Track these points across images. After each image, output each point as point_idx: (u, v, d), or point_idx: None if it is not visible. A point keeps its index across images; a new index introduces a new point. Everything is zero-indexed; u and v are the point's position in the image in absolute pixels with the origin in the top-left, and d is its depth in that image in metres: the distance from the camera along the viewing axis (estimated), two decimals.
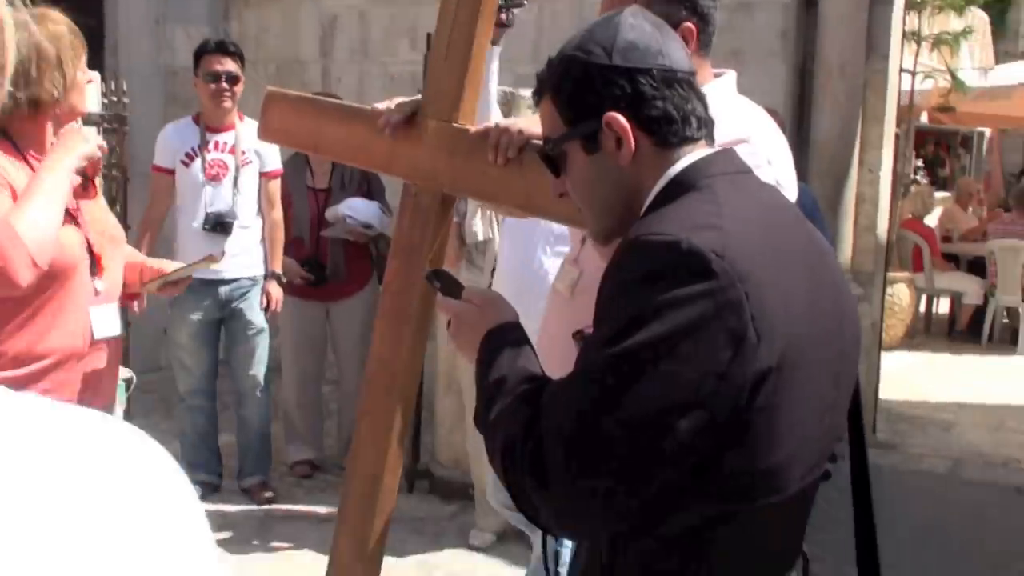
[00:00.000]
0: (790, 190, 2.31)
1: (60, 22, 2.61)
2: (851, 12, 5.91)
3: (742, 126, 2.20)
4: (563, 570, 2.65)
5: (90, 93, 5.02)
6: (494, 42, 3.50)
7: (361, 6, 7.38)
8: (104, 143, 3.21)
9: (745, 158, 2.16)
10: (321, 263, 5.38)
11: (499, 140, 2.22)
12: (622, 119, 1.56)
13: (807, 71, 6.11)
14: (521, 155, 2.21)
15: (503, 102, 4.12)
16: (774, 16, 6.04)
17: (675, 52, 1.60)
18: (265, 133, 2.91)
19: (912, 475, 5.82)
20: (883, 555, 1.85)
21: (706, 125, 1.62)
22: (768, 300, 1.40)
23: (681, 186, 1.55)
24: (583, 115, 1.60)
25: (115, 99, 5.45)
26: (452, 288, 1.88)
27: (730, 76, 2.40)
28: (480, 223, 4.46)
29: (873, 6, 5.97)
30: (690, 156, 1.58)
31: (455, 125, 2.34)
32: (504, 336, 1.69)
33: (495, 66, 3.54)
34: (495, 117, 3.49)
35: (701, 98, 1.62)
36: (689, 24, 2.22)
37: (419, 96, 2.46)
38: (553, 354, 2.48)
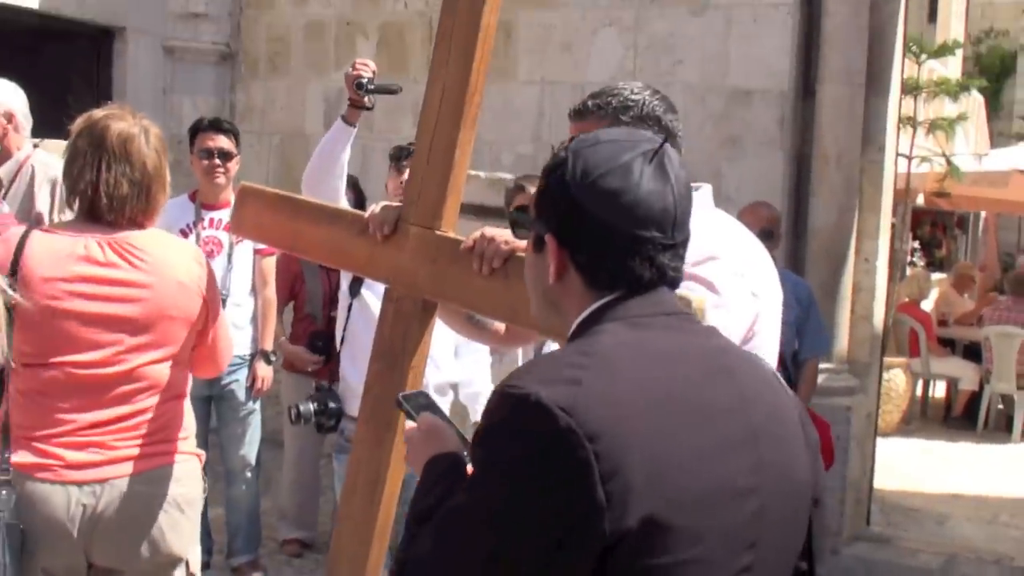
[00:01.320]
0: (769, 298, 2.33)
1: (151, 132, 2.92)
2: (848, 102, 5.96)
3: (712, 243, 2.23)
4: None
5: None
6: (351, 123, 3.61)
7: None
8: None
9: (713, 274, 2.18)
10: (330, 339, 5.36)
11: (484, 250, 2.21)
12: (556, 246, 1.56)
13: (804, 158, 6.16)
14: (506, 266, 2.18)
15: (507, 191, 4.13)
16: (771, 105, 6.11)
17: (642, 206, 1.51)
18: (238, 229, 2.89)
19: (906, 571, 5.76)
20: None
21: (647, 285, 1.54)
22: (631, 459, 1.36)
23: (585, 327, 1.54)
24: (540, 217, 1.60)
25: None
26: (414, 413, 1.90)
27: (706, 190, 2.44)
28: None
29: (869, 96, 6.03)
30: (607, 298, 1.54)
31: (437, 232, 2.34)
32: (432, 468, 1.71)
33: (347, 149, 3.65)
34: (343, 199, 3.59)
35: (653, 259, 1.53)
36: None
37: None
38: None
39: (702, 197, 2.40)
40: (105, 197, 2.78)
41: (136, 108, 7.69)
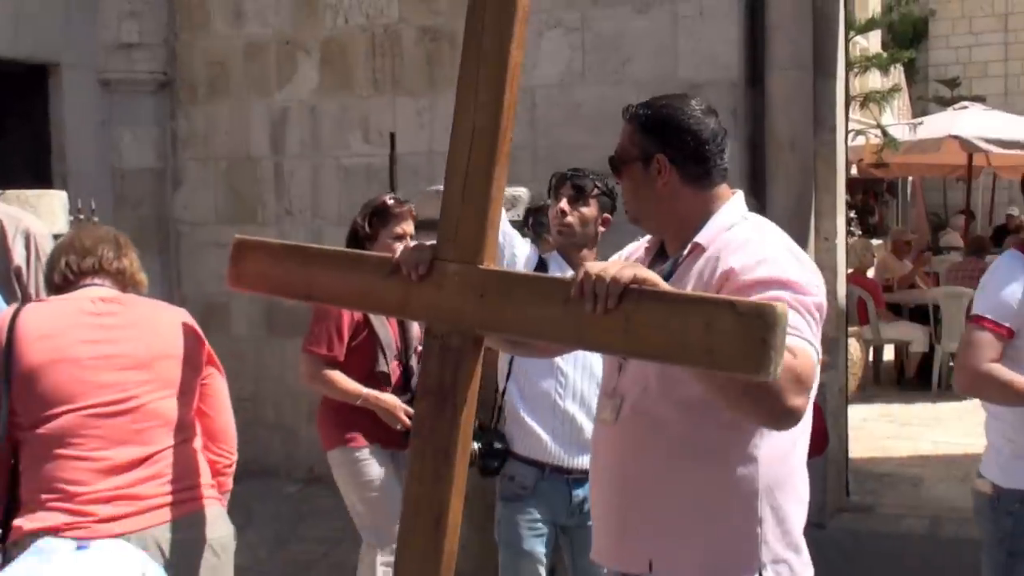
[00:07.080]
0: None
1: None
2: (798, 87, 6.07)
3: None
4: None
5: (57, 210, 5.00)
6: None
7: (311, 100, 7.42)
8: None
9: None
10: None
11: (594, 289, 2.06)
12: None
13: (757, 146, 6.26)
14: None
15: (507, 206, 4.14)
16: (723, 96, 6.16)
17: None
18: (236, 282, 2.79)
19: (894, 538, 5.90)
20: None
21: None
22: None
23: None
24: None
25: (82, 217, 5.42)
26: None
27: (739, 196, 2.61)
28: None
29: (817, 79, 6.16)
30: None
31: (480, 267, 2.33)
32: None
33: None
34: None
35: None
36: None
37: (429, 241, 2.45)
38: (602, 482, 2.54)
39: (737, 202, 2.54)
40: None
41: (76, 143, 7.56)
